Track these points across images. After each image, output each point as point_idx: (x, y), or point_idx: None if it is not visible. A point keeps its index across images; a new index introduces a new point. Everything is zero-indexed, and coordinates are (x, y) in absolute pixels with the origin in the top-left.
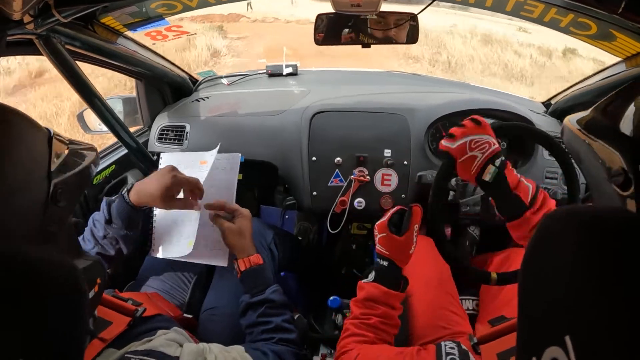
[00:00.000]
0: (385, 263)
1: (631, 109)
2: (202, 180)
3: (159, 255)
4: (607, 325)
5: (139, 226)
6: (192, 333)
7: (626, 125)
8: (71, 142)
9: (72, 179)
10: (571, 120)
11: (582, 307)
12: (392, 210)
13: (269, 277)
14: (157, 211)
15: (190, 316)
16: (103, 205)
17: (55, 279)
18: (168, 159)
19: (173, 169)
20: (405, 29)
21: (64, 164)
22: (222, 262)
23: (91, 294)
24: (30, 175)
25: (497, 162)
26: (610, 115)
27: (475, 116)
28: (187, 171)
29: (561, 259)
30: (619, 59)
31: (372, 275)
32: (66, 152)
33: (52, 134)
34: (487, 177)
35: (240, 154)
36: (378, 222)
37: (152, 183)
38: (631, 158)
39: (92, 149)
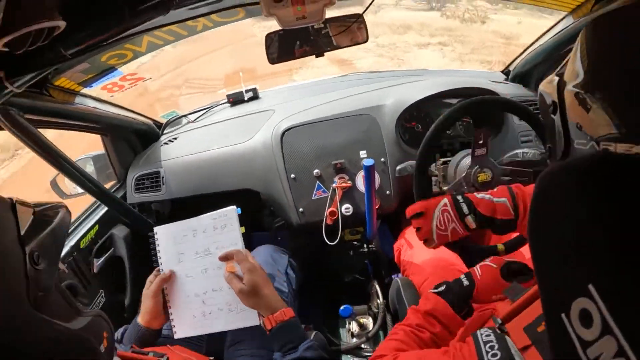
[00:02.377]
0: (466, 282)
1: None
2: (203, 247)
3: (180, 336)
4: (625, 262)
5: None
6: None
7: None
8: (36, 205)
9: (46, 239)
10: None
11: (596, 253)
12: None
13: (300, 332)
14: (168, 297)
15: (212, 358)
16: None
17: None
18: (163, 232)
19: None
20: (354, 30)
21: (32, 227)
22: (254, 321)
23: (101, 349)
24: (1, 247)
25: (464, 208)
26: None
27: (407, 211)
28: (184, 243)
29: (565, 213)
30: (565, 13)
31: (443, 287)
32: (32, 215)
33: (14, 201)
34: (473, 225)
35: (235, 207)
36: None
37: (144, 304)
38: (557, 91)
39: (60, 206)
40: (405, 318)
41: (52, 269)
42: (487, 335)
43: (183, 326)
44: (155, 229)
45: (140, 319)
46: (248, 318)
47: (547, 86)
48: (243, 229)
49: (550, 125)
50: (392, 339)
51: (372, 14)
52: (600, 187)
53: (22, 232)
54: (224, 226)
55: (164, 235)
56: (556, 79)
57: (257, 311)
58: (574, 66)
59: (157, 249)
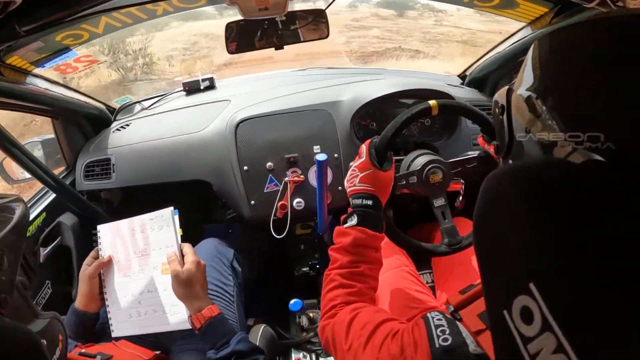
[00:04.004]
0: (369, 202)
1: None
2: (140, 247)
3: (118, 334)
4: (564, 263)
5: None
6: None
7: None
8: None
9: (8, 237)
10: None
11: (538, 253)
12: (365, 148)
13: (229, 327)
14: (107, 295)
15: (158, 352)
16: None
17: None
18: (106, 231)
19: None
20: (316, 26)
21: None
22: (182, 325)
23: (57, 354)
24: None
25: None
26: None
27: None
28: (126, 242)
29: (510, 214)
30: (524, 24)
31: (354, 219)
32: None
33: None
34: None
35: (172, 208)
36: (357, 163)
37: (81, 287)
38: (505, 95)
39: (18, 199)
40: (332, 261)
41: (14, 269)
42: (438, 319)
43: (120, 325)
44: (99, 227)
45: (78, 303)
46: (180, 322)
47: (499, 93)
48: (181, 232)
49: (499, 124)
50: (334, 287)
51: None
52: (546, 191)
53: None
54: (160, 227)
55: (107, 233)
56: (507, 87)
57: (186, 315)
58: (525, 74)
59: (100, 247)
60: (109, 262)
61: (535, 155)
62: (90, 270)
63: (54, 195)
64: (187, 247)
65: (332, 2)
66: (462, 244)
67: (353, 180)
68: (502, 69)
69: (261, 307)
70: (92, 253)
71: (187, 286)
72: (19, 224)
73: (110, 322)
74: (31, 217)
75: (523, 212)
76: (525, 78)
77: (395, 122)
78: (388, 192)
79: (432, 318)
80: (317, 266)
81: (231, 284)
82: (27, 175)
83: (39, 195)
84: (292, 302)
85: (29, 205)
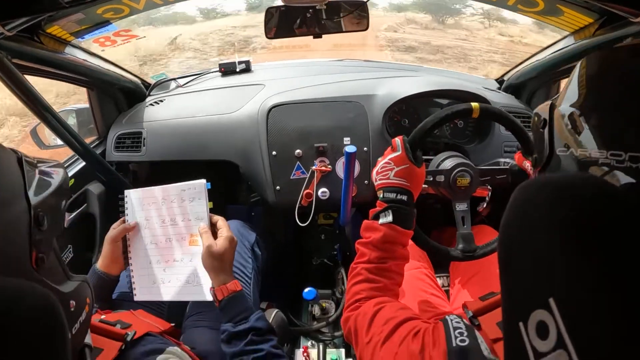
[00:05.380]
0: (404, 197)
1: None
2: (170, 217)
3: (139, 299)
4: (587, 282)
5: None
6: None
7: None
8: (39, 161)
9: (51, 200)
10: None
11: (563, 269)
12: (400, 142)
13: (248, 304)
14: (132, 260)
15: (173, 324)
16: None
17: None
18: (134, 195)
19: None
20: (355, 17)
21: (38, 186)
22: (203, 297)
23: (83, 316)
24: (8, 203)
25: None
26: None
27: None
28: (154, 210)
29: (537, 225)
30: (567, 33)
31: (388, 216)
32: (37, 173)
33: (20, 155)
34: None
35: (205, 181)
36: (393, 156)
37: (104, 248)
38: (549, 110)
39: (59, 164)
40: (359, 255)
41: (54, 231)
42: (456, 322)
43: (143, 290)
44: (127, 191)
45: (99, 264)
46: (197, 292)
47: (542, 107)
48: (211, 204)
49: (538, 138)
50: (359, 281)
51: None
52: (580, 208)
53: (29, 191)
54: (192, 199)
55: (134, 198)
56: (550, 102)
57: (207, 288)
58: (569, 91)
59: (126, 212)
60: (135, 228)
61: (572, 171)
62: (114, 233)
63: (83, 163)
64: (221, 221)
65: None
66: (476, 252)
67: (387, 173)
68: (541, 78)
69: (276, 292)
70: (120, 220)
71: (217, 259)
72: (59, 189)
73: (133, 285)
74: None
75: (560, 225)
76: (569, 94)
77: (435, 116)
78: (420, 189)
79: (451, 321)
80: (336, 257)
81: (250, 267)
82: (59, 142)
83: (69, 162)
84: (306, 290)
85: None
